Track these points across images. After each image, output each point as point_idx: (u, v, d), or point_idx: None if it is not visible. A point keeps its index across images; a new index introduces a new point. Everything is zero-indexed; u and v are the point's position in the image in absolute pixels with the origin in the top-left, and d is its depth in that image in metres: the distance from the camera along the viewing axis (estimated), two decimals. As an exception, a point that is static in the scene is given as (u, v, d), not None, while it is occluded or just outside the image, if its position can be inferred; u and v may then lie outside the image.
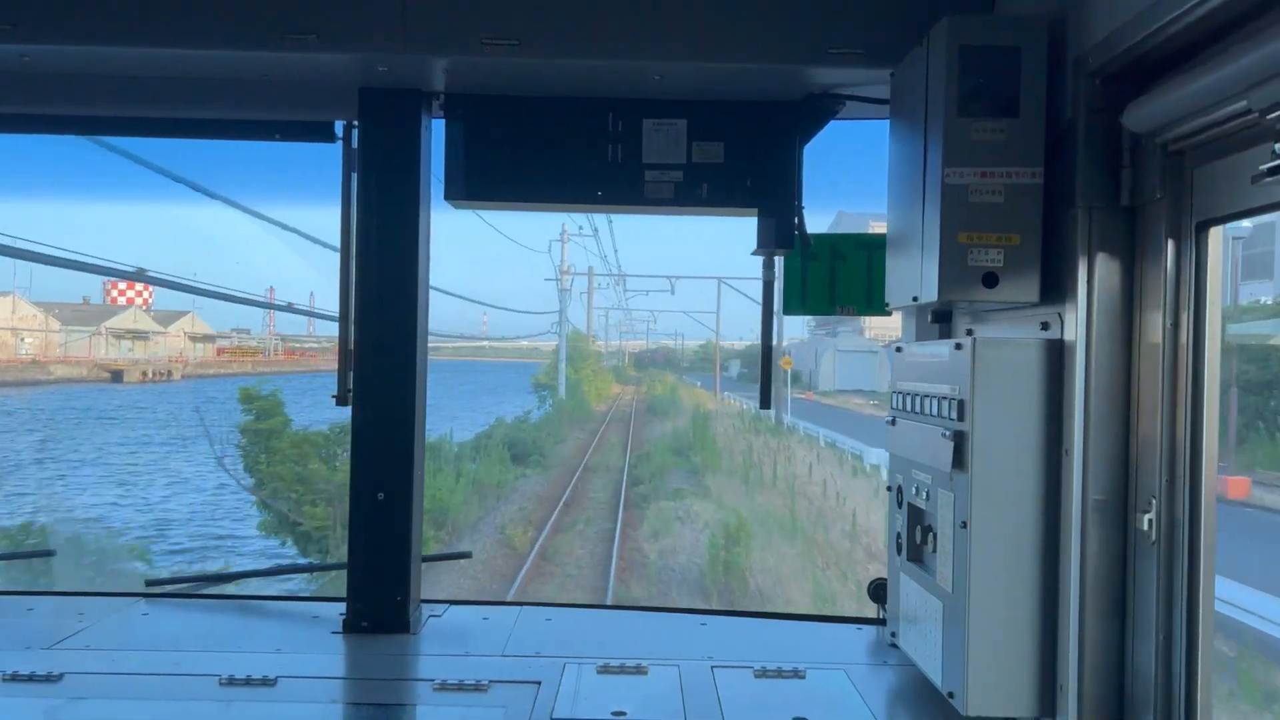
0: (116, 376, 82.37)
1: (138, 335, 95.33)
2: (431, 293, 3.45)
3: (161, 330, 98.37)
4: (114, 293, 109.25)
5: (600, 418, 49.46)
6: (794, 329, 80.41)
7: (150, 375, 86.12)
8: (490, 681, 2.75)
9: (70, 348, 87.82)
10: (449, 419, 40.46)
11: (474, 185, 3.25)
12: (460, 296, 48.09)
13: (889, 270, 2.87)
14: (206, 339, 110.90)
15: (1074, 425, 2.21)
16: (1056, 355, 2.29)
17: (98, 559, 15.02)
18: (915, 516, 2.71)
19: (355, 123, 3.23)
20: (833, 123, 3.25)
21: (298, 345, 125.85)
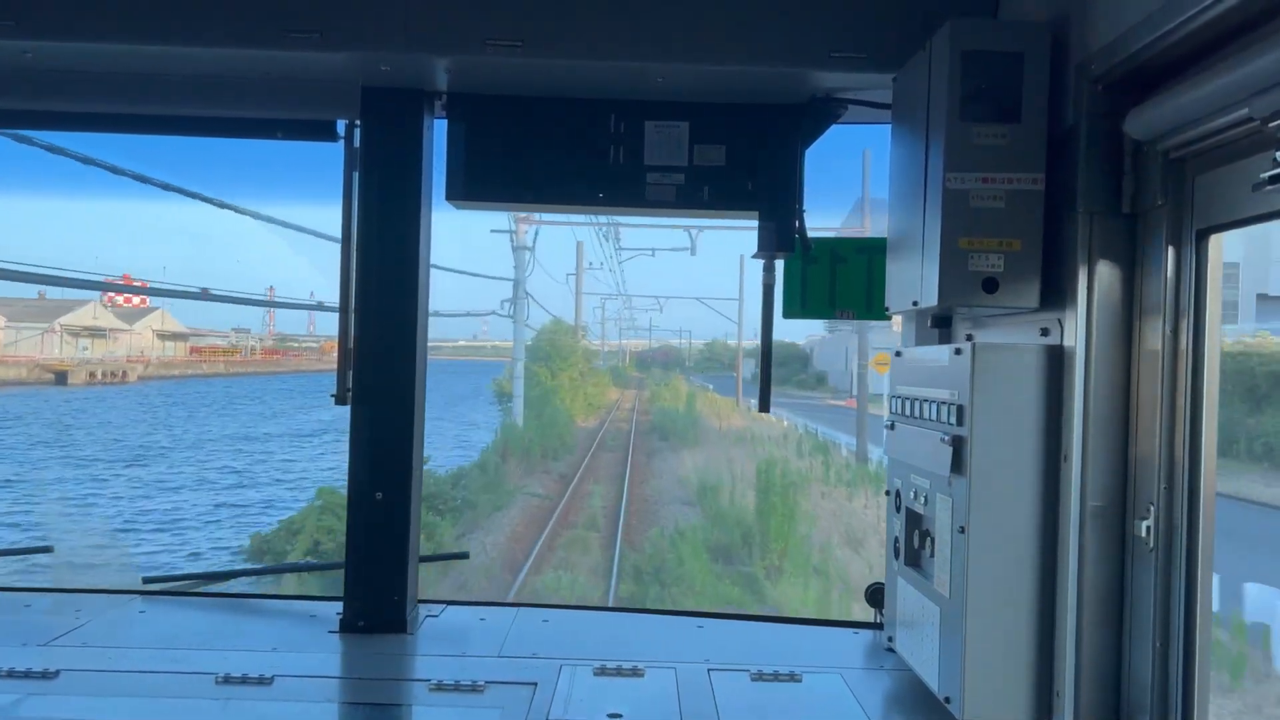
0: (60, 378, 75.13)
1: (95, 333, 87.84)
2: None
3: (125, 328, 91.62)
4: (111, 291, 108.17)
5: (583, 444, 32.46)
6: (814, 326, 70.06)
7: (99, 376, 78.46)
8: (487, 682, 2.74)
9: (20, 346, 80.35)
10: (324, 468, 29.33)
11: (475, 185, 3.26)
12: (446, 268, 34.17)
13: (889, 274, 2.87)
14: (177, 337, 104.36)
15: (1073, 431, 2.21)
16: (1056, 361, 2.29)
17: None
18: (913, 521, 2.71)
19: (357, 122, 3.24)
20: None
21: (296, 345, 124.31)
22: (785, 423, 32.15)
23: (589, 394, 49.29)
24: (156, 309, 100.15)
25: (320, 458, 35.62)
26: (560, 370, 44.37)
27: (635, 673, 2.86)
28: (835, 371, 64.52)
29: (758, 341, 3.44)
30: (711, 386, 64.46)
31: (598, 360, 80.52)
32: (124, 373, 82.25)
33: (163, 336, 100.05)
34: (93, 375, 78.53)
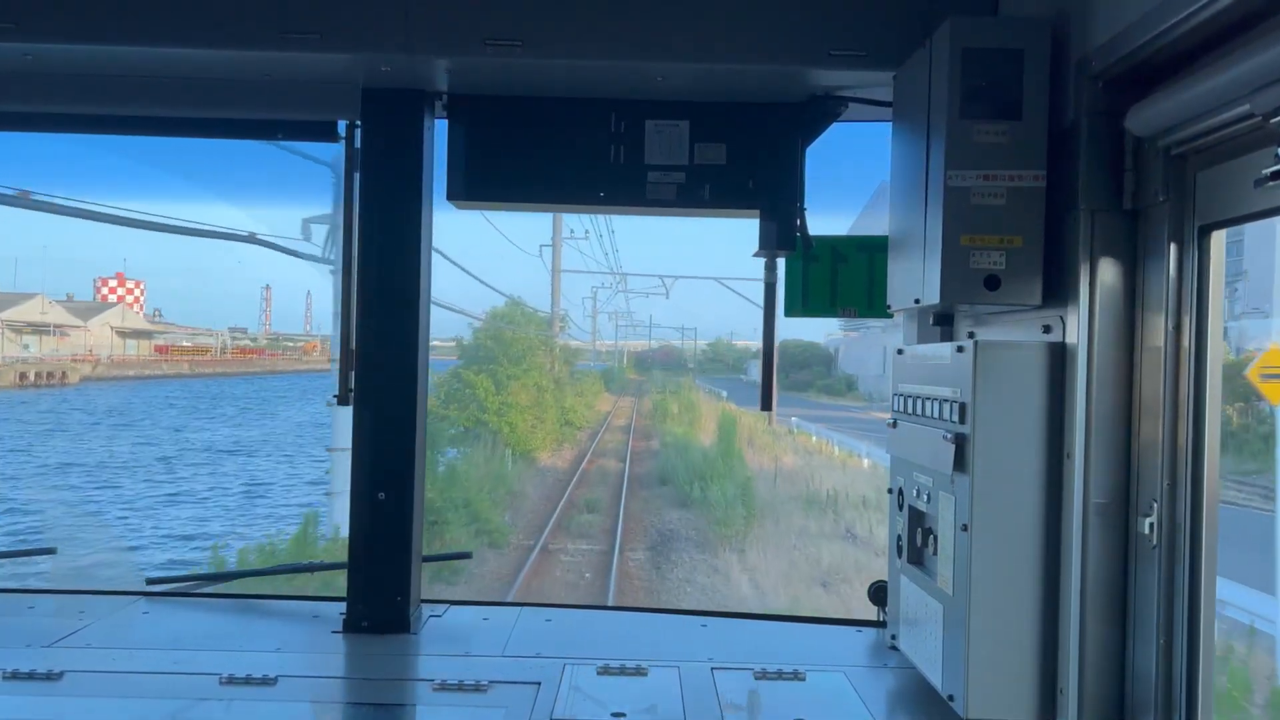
0: (-13, 379, 67.92)
1: (40, 329, 78.90)
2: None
3: (79, 324, 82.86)
4: (104, 290, 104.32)
5: (529, 522, 18.42)
6: (832, 324, 59.30)
7: (32, 378, 69.48)
8: (490, 682, 2.75)
9: (-46, 344, 71.71)
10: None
11: (476, 185, 3.26)
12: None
13: (891, 272, 2.87)
14: (140, 334, 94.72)
15: (1075, 428, 2.21)
16: (1058, 358, 2.29)
17: None
18: (916, 519, 2.71)
19: (358, 122, 3.24)
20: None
21: (292, 344, 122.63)
22: (865, 460, 18.80)
23: (567, 409, 35.07)
24: (115, 305, 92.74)
25: (206, 505, 22.38)
26: (513, 378, 28.77)
27: (639, 672, 2.87)
28: (866, 376, 57.13)
29: (764, 342, 3.44)
30: (725, 393, 53.46)
31: (585, 359, 65.76)
32: (64, 374, 73.78)
33: (123, 334, 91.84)
34: (24, 377, 69.74)
